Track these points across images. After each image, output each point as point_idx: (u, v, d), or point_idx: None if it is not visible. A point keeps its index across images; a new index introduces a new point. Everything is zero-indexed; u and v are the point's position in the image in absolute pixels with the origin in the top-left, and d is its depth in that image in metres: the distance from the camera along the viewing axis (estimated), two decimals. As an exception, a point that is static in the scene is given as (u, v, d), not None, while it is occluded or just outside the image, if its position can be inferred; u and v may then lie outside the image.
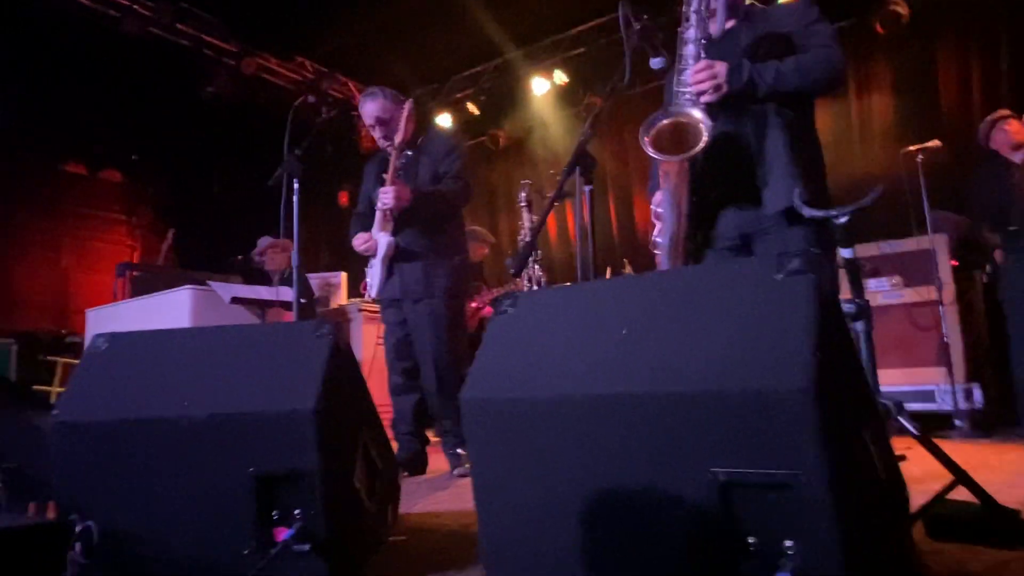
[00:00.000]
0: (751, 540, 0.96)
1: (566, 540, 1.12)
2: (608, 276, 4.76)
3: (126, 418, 1.44)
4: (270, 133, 3.49)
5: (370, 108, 2.99)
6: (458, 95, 6.88)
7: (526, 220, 3.83)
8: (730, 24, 2.07)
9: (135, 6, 5.25)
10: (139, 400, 1.47)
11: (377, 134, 3.03)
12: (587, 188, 1.83)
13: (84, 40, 5.30)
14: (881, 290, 3.96)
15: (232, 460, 1.42)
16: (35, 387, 5.13)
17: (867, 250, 3.99)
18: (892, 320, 3.86)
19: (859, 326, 1.60)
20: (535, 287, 3.68)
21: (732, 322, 1.03)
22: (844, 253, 1.66)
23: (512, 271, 1.77)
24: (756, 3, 2.08)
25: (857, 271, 1.68)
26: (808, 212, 1.66)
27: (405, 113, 2.90)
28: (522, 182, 3.99)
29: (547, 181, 5.00)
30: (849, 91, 5.36)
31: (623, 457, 1.05)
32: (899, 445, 1.47)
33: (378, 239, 2.96)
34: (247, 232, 5.04)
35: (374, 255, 2.99)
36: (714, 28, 1.99)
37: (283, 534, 1.42)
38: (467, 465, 2.87)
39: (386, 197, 2.83)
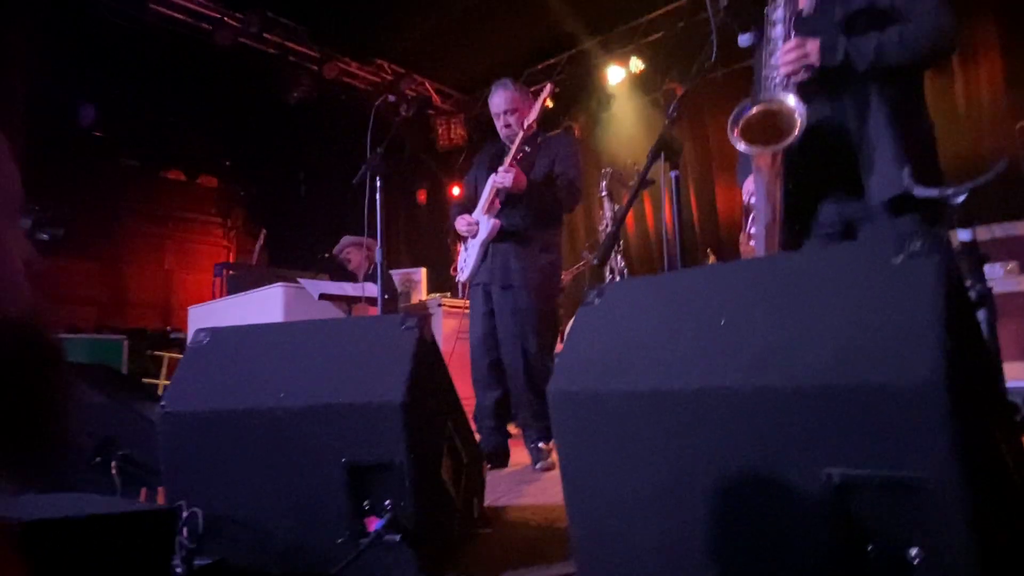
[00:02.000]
0: (870, 547, 0.88)
1: (661, 539, 1.08)
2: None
3: (227, 409, 1.50)
4: (351, 134, 3.58)
5: (499, 99, 3.07)
6: (533, 88, 6.84)
7: (607, 209, 3.75)
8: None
9: (226, 18, 5.51)
10: (238, 391, 1.53)
11: (500, 124, 3.08)
12: (673, 174, 1.76)
13: (180, 53, 5.62)
14: (995, 277, 3.64)
15: (325, 450, 1.45)
16: (144, 380, 5.52)
17: (979, 234, 3.68)
18: (1009, 310, 3.55)
19: (981, 315, 1.45)
20: (618, 277, 3.60)
21: (844, 310, 0.95)
22: (962, 235, 1.52)
23: (596, 261, 1.72)
24: None
25: (978, 255, 1.54)
26: (921, 192, 1.52)
27: (542, 98, 2.97)
28: (603, 170, 3.91)
29: (625, 170, 4.89)
30: (952, 60, 4.95)
31: (725, 455, 0.99)
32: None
33: (481, 220, 2.99)
34: (333, 230, 5.21)
35: (475, 237, 3.03)
36: (805, 4, 1.86)
37: (375, 524, 1.44)
38: (550, 459, 2.88)
39: (505, 177, 2.85)
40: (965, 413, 0.85)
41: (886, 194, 1.73)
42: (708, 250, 4.42)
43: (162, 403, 1.53)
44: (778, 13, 1.83)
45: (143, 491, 2.12)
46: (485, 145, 3.34)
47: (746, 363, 0.99)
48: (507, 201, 2.96)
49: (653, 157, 1.76)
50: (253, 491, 1.49)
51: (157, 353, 5.72)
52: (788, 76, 1.76)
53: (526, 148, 3.02)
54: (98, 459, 2.16)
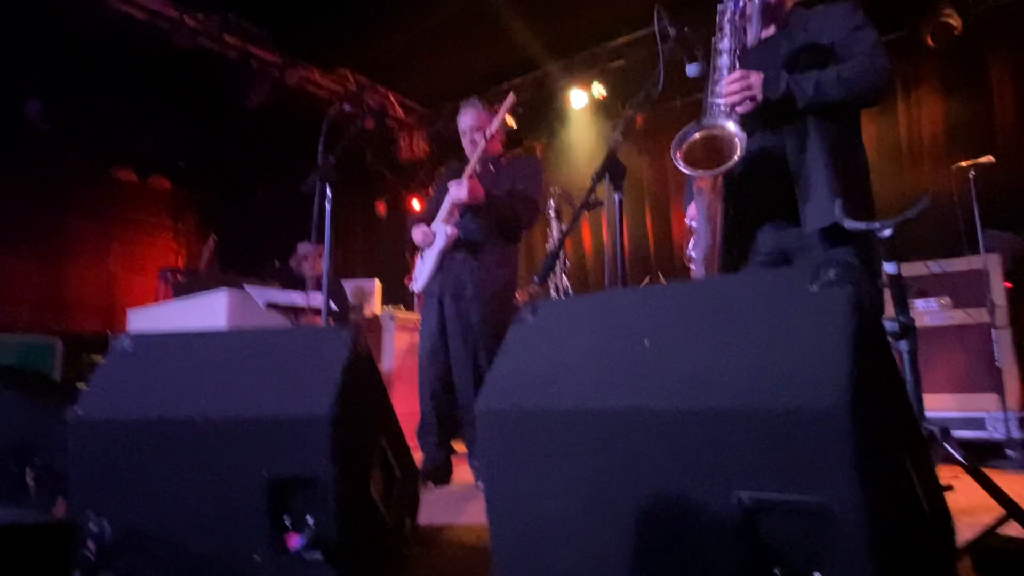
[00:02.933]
0: (776, 571, 0.89)
1: (580, 558, 1.07)
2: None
3: (144, 417, 1.44)
4: (311, 142, 3.54)
5: (466, 116, 3.10)
6: (495, 107, 6.89)
7: (555, 229, 3.78)
8: (768, 32, 2.00)
9: (186, 18, 5.41)
10: (159, 400, 1.47)
11: (466, 140, 3.10)
12: (617, 196, 1.78)
13: (136, 52, 5.48)
14: (929, 311, 3.78)
15: (247, 463, 1.40)
16: (79, 384, 5.30)
17: (915, 269, 3.83)
18: (940, 343, 3.68)
19: (903, 346, 1.50)
20: (562, 296, 3.62)
21: (762, 335, 0.97)
22: (888, 268, 1.57)
23: (536, 280, 1.73)
24: (798, 7, 2.00)
25: (902, 288, 1.59)
26: (850, 225, 1.58)
27: (504, 107, 2.98)
28: (551, 189, 3.95)
29: (581, 192, 4.96)
30: (897, 105, 5.18)
31: (643, 476, 0.99)
32: (945, 474, 1.37)
33: (438, 230, 2.98)
34: (287, 238, 5.13)
35: (431, 247, 3.01)
36: (750, 37, 1.92)
37: (296, 541, 1.40)
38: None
39: (459, 190, 2.85)
40: (870, 440, 0.87)
41: (820, 223, 1.80)
42: (660, 273, 4.49)
43: (75, 408, 1.47)
44: (724, 43, 1.89)
45: (60, 499, 2.02)
46: (451, 163, 3.35)
47: (666, 384, 1.00)
48: (465, 215, 2.96)
49: (598, 178, 1.79)
50: (168, 504, 1.43)
51: (95, 356, 5.50)
52: (732, 106, 1.82)
53: (489, 166, 3.04)
54: (12, 466, 2.06)
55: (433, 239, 3.01)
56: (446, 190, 3.03)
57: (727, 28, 1.87)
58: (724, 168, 1.74)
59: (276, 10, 5.52)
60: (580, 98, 6.34)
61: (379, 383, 1.76)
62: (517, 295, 4.56)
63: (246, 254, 6.63)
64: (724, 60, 1.86)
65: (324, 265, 2.84)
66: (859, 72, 1.78)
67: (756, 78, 1.79)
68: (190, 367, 1.53)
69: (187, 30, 5.43)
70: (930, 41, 4.91)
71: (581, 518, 1.05)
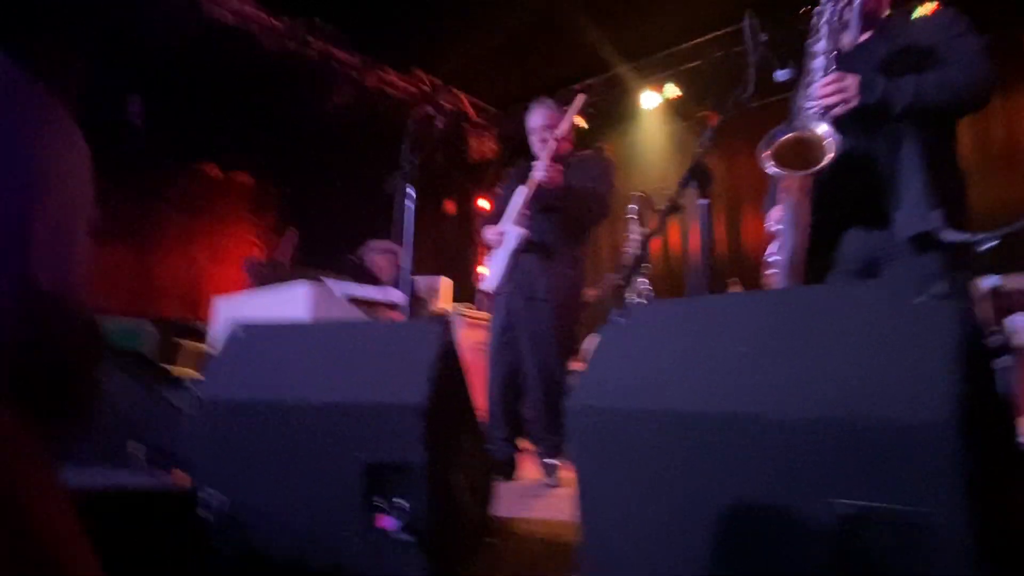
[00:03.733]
0: (874, 580, 0.90)
1: (671, 559, 1.10)
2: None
3: (255, 400, 1.56)
4: (386, 141, 3.67)
5: (537, 115, 3.15)
6: (566, 107, 6.92)
7: (635, 232, 3.78)
8: (865, 37, 1.96)
9: (273, 22, 5.67)
10: (267, 384, 1.58)
11: (536, 139, 3.14)
12: (702, 202, 1.79)
13: (226, 53, 5.78)
14: None
15: (345, 447, 1.49)
16: (166, 366, 5.63)
17: (1011, 282, 3.65)
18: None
19: (1003, 362, 1.46)
20: (643, 302, 3.63)
21: (862, 346, 0.98)
22: (988, 282, 1.53)
23: (620, 282, 1.76)
24: (895, 14, 1.96)
25: (1001, 302, 1.54)
26: (951, 236, 1.54)
27: (574, 107, 3.04)
28: (632, 193, 3.94)
29: (656, 194, 4.92)
30: (994, 109, 4.93)
31: (738, 480, 1.02)
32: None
33: (508, 231, 3.03)
34: (362, 234, 5.31)
35: (502, 247, 3.07)
36: (847, 40, 1.89)
37: (389, 523, 1.48)
38: (558, 475, 2.89)
39: (541, 171, 2.88)
40: (974, 455, 0.87)
41: (912, 230, 1.74)
42: (734, 279, 4.43)
43: (195, 388, 1.59)
44: (820, 45, 1.85)
45: (172, 474, 2.18)
46: (518, 164, 3.39)
47: (766, 391, 1.02)
48: (537, 215, 3.00)
49: (684, 184, 1.80)
50: (273, 482, 1.54)
51: (182, 341, 5.84)
52: (826, 108, 1.78)
53: (559, 165, 3.07)
54: (124, 443, 2.22)
55: (503, 239, 3.07)
56: (515, 191, 3.08)
57: (824, 30, 1.83)
58: (815, 169, 1.72)
59: (357, 13, 5.72)
60: (652, 99, 6.31)
61: (464, 377, 1.83)
62: (592, 290, 4.58)
63: (322, 248, 6.88)
64: (819, 62, 1.82)
65: (404, 262, 2.95)
66: (961, 78, 1.74)
67: (852, 80, 1.76)
68: (295, 355, 1.63)
69: (274, 33, 5.70)
70: (1029, 42, 4.66)
71: (673, 520, 1.09)
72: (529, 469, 3.08)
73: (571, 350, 3.17)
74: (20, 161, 0.50)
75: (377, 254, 5.03)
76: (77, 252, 0.56)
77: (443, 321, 1.64)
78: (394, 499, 1.48)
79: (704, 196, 1.77)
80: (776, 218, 1.95)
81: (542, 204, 2.98)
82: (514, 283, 3.02)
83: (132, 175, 7.08)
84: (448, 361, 1.64)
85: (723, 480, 1.03)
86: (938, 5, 1.89)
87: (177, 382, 3.43)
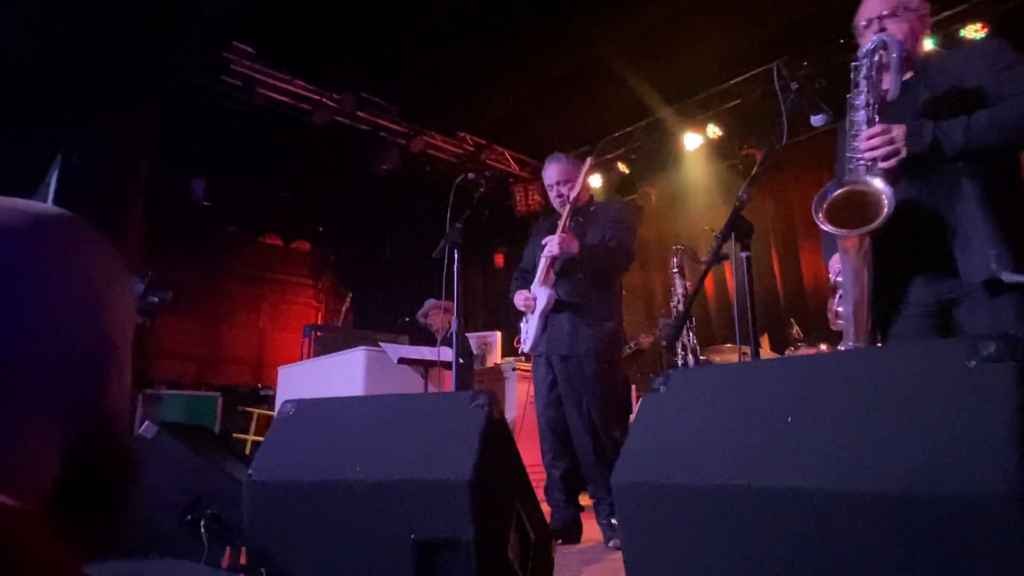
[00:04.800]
0: (949, 670, 0.83)
1: (728, 642, 1.05)
2: (767, 337, 4.47)
3: (306, 480, 1.59)
4: (435, 203, 3.78)
5: (552, 171, 3.18)
6: (608, 156, 6.98)
7: (679, 287, 3.73)
8: (906, 77, 1.88)
9: (324, 99, 5.99)
10: (317, 463, 1.61)
11: (553, 195, 3.19)
12: (744, 255, 1.76)
13: (282, 130, 6.13)
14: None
15: (395, 525, 1.50)
16: (235, 435, 5.81)
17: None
18: None
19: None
20: (690, 356, 3.55)
21: (916, 414, 0.93)
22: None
23: (664, 343, 1.73)
24: (934, 52, 1.89)
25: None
26: (1008, 277, 1.46)
27: (583, 171, 3.04)
28: (673, 247, 3.91)
29: (701, 237, 4.85)
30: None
31: (789, 559, 0.97)
32: None
33: (537, 293, 3.06)
34: (415, 294, 5.42)
35: (533, 311, 3.08)
36: (887, 86, 1.82)
37: (440, 602, 1.46)
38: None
39: (552, 244, 2.92)
40: (1051, 530, 0.80)
41: (980, 275, 1.66)
42: (792, 320, 4.28)
43: (249, 471, 1.64)
44: (860, 99, 1.80)
45: (227, 550, 2.23)
46: (542, 219, 3.44)
47: (817, 464, 0.97)
48: (562, 271, 3.01)
49: (723, 239, 1.78)
50: (328, 561, 1.55)
51: (248, 409, 6.03)
52: (873, 161, 1.73)
53: (579, 218, 3.07)
54: (188, 517, 2.29)
55: (534, 303, 3.07)
56: (541, 247, 3.10)
57: (863, 84, 1.78)
58: (872, 227, 1.65)
59: (401, 84, 5.99)
60: (694, 140, 6.29)
61: (513, 447, 1.82)
62: (634, 343, 4.52)
63: (379, 310, 7.05)
64: (861, 116, 1.77)
65: (454, 324, 2.99)
66: (1015, 113, 1.65)
67: (899, 131, 1.70)
68: (343, 431, 1.66)
69: (326, 109, 6.01)
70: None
71: (726, 598, 1.04)
72: (595, 530, 3.01)
73: (619, 402, 3.12)
74: (97, 324, 0.55)
75: (435, 312, 5.13)
76: (126, 379, 0.60)
77: (488, 392, 1.65)
78: (445, 577, 1.46)
79: (744, 248, 1.74)
80: (837, 269, 1.89)
81: (564, 264, 2.99)
82: (550, 342, 3.01)
83: (199, 251, 7.51)
84: (495, 432, 1.63)
85: (775, 558, 0.98)
86: (983, 27, 1.82)
87: (244, 455, 3.53)
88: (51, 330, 0.52)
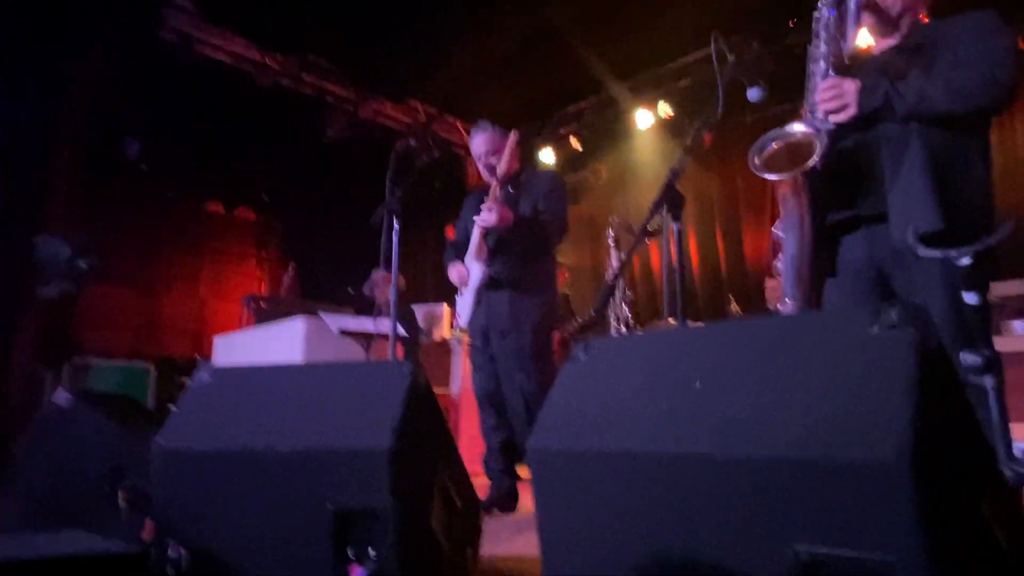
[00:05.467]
0: (837, 630, 0.85)
1: (634, 606, 1.05)
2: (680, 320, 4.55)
3: (219, 449, 1.53)
4: (383, 172, 3.69)
5: (479, 140, 3.09)
6: (561, 130, 6.95)
7: (613, 258, 3.75)
8: (888, 43, 1.88)
9: (267, 60, 5.75)
10: (232, 432, 1.55)
11: (481, 166, 3.11)
12: (674, 225, 1.76)
13: (223, 92, 5.87)
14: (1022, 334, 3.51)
15: (313, 495, 1.46)
16: (171, 406, 5.64)
17: (1014, 288, 3.57)
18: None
19: (987, 381, 1.40)
20: (622, 326, 3.58)
21: (819, 380, 0.93)
22: (968, 298, 1.47)
23: (593, 311, 1.73)
24: (932, 19, 1.85)
25: (986, 320, 1.49)
26: (923, 252, 1.49)
27: (509, 146, 2.96)
28: (609, 218, 3.92)
29: (640, 219, 4.89)
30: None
31: (695, 522, 0.97)
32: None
33: (471, 268, 3.01)
34: (361, 265, 5.32)
35: (467, 285, 3.05)
36: (847, 45, 1.82)
37: (358, 573, 1.43)
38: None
39: (487, 216, 2.86)
40: (936, 492, 0.82)
41: (908, 239, 1.66)
42: (730, 296, 4.36)
43: (158, 439, 1.57)
44: (819, 50, 1.80)
45: (148, 523, 2.16)
46: (472, 191, 3.38)
47: (719, 430, 0.97)
48: (496, 246, 2.97)
49: (655, 209, 1.77)
50: (241, 531, 1.50)
51: (185, 380, 5.85)
52: (825, 115, 1.73)
53: (509, 188, 3.02)
54: (106, 488, 2.20)
55: (468, 277, 3.03)
56: (472, 216, 3.05)
57: (821, 33, 1.79)
58: (802, 167, 1.67)
59: (349, 47, 5.80)
60: (646, 119, 6.30)
61: (439, 415, 1.80)
62: (580, 319, 4.55)
63: (324, 281, 6.91)
64: (820, 67, 1.78)
65: (391, 294, 2.94)
66: (973, 82, 1.63)
67: (851, 86, 1.69)
68: (262, 400, 1.61)
69: (268, 71, 5.78)
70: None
71: (632, 562, 1.04)
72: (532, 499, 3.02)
73: (554, 376, 3.12)
74: None
75: (381, 283, 5.04)
76: None
77: (413, 360, 1.61)
78: (363, 547, 1.44)
79: (676, 219, 1.74)
80: (779, 226, 1.91)
81: (498, 238, 2.95)
82: (486, 317, 2.99)
83: (136, 215, 7.18)
84: (419, 401, 1.60)
85: (680, 522, 0.98)
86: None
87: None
88: None
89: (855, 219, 1.81)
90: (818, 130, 1.68)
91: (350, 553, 1.45)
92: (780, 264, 1.87)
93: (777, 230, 1.92)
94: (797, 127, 1.74)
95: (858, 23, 1.81)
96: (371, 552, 1.42)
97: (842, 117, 1.71)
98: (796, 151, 1.73)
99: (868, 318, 0.94)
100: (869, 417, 0.84)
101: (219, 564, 1.47)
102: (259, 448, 1.50)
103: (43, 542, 1.44)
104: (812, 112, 1.78)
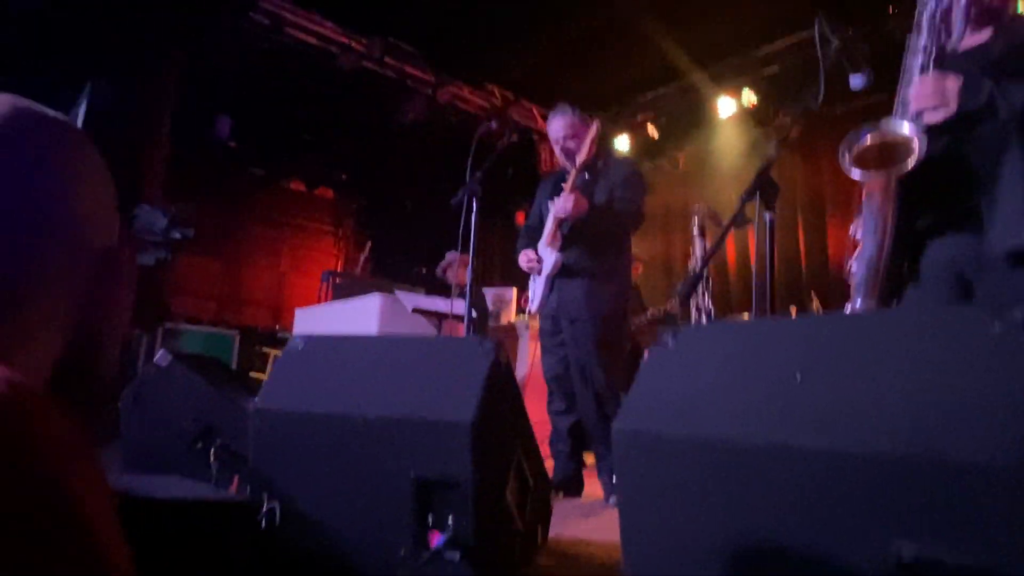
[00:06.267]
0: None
1: (717, 593, 1.05)
2: (794, 311, 4.39)
3: (312, 411, 1.60)
4: (459, 154, 3.74)
5: (557, 124, 3.06)
6: (638, 117, 6.83)
7: (698, 247, 3.66)
8: (982, 38, 1.75)
9: (352, 43, 5.90)
10: (324, 397, 1.62)
11: (558, 150, 3.09)
12: (768, 216, 1.71)
13: (308, 74, 6.06)
14: None
15: (397, 462, 1.51)
16: (251, 373, 5.93)
17: None
18: None
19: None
20: (704, 317, 3.50)
21: (932, 378, 0.89)
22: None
23: (678, 299, 1.71)
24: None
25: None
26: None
27: (591, 134, 2.94)
28: (695, 206, 3.83)
29: (729, 205, 4.76)
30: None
31: (788, 514, 0.95)
32: None
33: (544, 255, 3.01)
34: (435, 246, 5.41)
35: (539, 272, 3.05)
36: (953, 38, 1.71)
37: (437, 539, 1.48)
38: (623, 494, 2.82)
39: (564, 203, 2.85)
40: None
41: (1006, 245, 1.57)
42: (812, 292, 4.20)
43: (255, 399, 1.66)
44: (920, 41, 1.70)
45: (235, 479, 2.28)
46: (548, 175, 3.35)
47: (816, 422, 0.95)
48: (569, 234, 2.95)
49: (748, 197, 1.73)
50: (328, 491, 1.58)
51: (265, 349, 6.13)
52: (918, 113, 1.64)
53: (585, 175, 2.99)
54: (199, 445, 2.34)
55: (539, 265, 3.02)
56: (547, 204, 3.02)
57: (925, 25, 1.68)
58: (898, 169, 1.59)
59: (430, 32, 5.87)
60: (728, 106, 6.11)
61: (517, 394, 1.82)
62: (653, 310, 4.48)
63: (398, 260, 7.07)
64: (917, 60, 1.67)
65: (468, 276, 2.98)
66: None
67: (953, 84, 1.59)
68: (351, 368, 1.67)
69: (352, 53, 5.92)
70: None
71: (718, 549, 1.03)
72: (597, 487, 3.03)
73: (624, 366, 3.10)
74: (93, 232, 0.55)
75: (456, 266, 5.12)
76: (121, 301, 0.60)
77: (495, 340, 1.64)
78: (443, 514, 1.48)
79: (769, 209, 1.69)
80: (859, 225, 1.83)
81: (572, 225, 2.93)
82: (557, 304, 2.98)
83: (221, 191, 7.55)
84: (499, 378, 1.63)
85: (770, 512, 0.97)
86: None
87: (256, 390, 3.59)
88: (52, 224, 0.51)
89: (941, 224, 1.71)
90: (918, 132, 1.58)
91: (430, 520, 1.50)
92: (855, 263, 1.78)
93: (854, 231, 1.83)
94: (896, 125, 1.64)
95: (967, 17, 1.68)
96: (450, 520, 1.47)
97: (939, 116, 1.61)
98: (890, 150, 1.63)
99: (988, 316, 0.89)
100: (987, 418, 0.81)
101: (307, 520, 1.55)
102: (349, 413, 1.56)
103: (150, 484, 1.55)
104: (904, 107, 1.68)
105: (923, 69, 1.68)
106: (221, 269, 7.69)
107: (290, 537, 1.54)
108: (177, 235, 5.12)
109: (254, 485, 1.59)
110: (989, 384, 0.84)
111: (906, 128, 1.62)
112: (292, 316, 5.67)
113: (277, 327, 6.98)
